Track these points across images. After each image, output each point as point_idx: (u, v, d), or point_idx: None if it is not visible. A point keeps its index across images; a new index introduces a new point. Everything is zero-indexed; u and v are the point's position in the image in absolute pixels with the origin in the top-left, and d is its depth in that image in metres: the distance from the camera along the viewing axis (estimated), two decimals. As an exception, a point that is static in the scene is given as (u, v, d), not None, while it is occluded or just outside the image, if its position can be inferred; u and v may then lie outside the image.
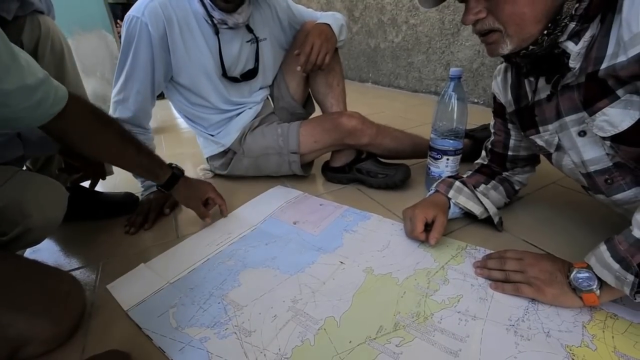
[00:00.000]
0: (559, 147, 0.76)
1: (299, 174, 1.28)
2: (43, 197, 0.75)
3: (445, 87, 1.04)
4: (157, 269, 0.86)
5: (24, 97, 0.60)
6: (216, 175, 1.39)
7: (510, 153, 0.93)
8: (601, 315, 0.64)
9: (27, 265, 0.71)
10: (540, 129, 0.77)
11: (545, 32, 0.61)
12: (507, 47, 0.65)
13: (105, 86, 2.11)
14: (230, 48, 1.15)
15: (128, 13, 1.02)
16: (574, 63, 0.62)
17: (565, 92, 0.68)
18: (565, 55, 0.62)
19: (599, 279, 0.60)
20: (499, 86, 0.87)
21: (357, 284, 0.77)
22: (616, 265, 0.56)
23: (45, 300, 0.64)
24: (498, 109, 0.91)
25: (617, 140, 0.62)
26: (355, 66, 3.42)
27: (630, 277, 0.54)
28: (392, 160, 1.27)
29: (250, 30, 1.17)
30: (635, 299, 0.56)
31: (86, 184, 1.12)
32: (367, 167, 1.22)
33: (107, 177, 1.16)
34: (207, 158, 1.37)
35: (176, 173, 0.97)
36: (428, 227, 0.86)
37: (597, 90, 0.62)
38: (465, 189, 0.92)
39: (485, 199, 0.91)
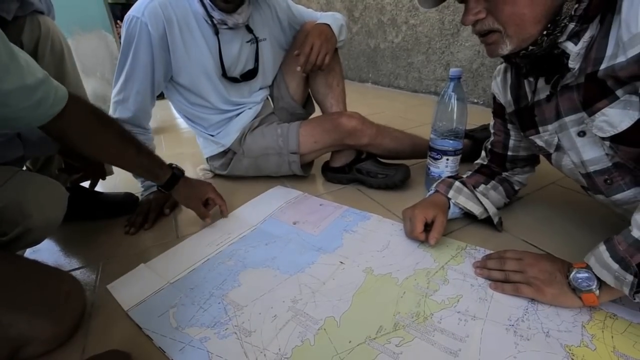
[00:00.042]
0: (558, 148, 0.76)
1: (298, 174, 1.28)
2: (43, 198, 0.75)
3: (445, 88, 1.04)
4: (157, 269, 0.86)
5: (23, 97, 0.60)
6: (216, 176, 1.39)
7: (509, 153, 0.93)
8: (600, 315, 0.64)
9: (27, 265, 0.71)
10: (540, 129, 0.77)
11: (544, 32, 0.61)
12: (506, 48, 0.65)
13: (105, 86, 2.11)
14: (230, 48, 1.15)
15: (128, 13, 1.02)
16: (574, 63, 0.62)
17: (565, 92, 0.68)
18: (565, 55, 0.63)
19: (599, 279, 0.61)
20: (498, 86, 0.87)
21: (357, 284, 0.77)
22: (615, 265, 0.56)
23: (46, 301, 0.65)
24: (498, 110, 0.91)
25: (617, 140, 0.62)
26: (355, 66, 3.42)
27: (630, 277, 0.54)
28: (392, 160, 1.27)
29: (250, 30, 1.17)
30: (634, 299, 0.56)
31: (86, 184, 1.12)
32: (367, 168, 1.22)
33: (107, 178, 1.16)
34: (207, 158, 1.37)
35: (176, 173, 0.97)
36: (428, 227, 0.86)
37: (596, 91, 0.62)
38: (465, 189, 0.92)
39: (484, 199, 0.91)
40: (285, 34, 1.28)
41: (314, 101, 1.36)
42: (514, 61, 0.72)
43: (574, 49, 0.61)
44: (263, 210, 1.10)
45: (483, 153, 1.01)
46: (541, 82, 0.73)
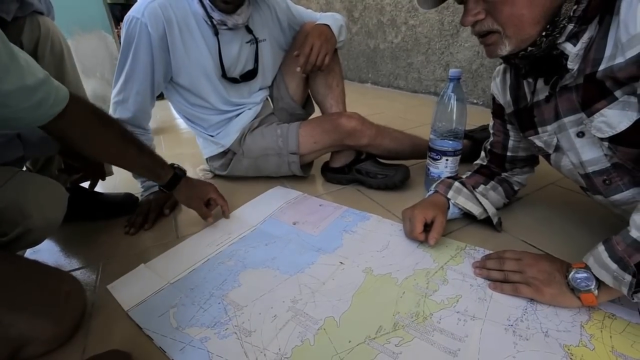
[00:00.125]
0: (557, 148, 0.76)
1: (298, 175, 1.28)
2: (43, 198, 0.75)
3: (444, 88, 1.04)
4: (157, 270, 0.86)
5: (23, 97, 0.60)
6: (216, 176, 1.40)
7: (509, 154, 0.93)
8: (599, 315, 0.65)
9: (27, 265, 0.71)
10: (539, 129, 0.77)
11: (543, 33, 0.61)
12: (505, 49, 0.65)
13: (105, 87, 2.11)
14: (229, 49, 1.15)
15: (128, 14, 1.02)
16: (572, 64, 0.63)
17: (564, 93, 0.68)
18: (564, 56, 0.63)
19: (597, 279, 0.61)
20: (498, 87, 0.87)
21: (357, 284, 0.77)
22: (614, 266, 0.57)
23: (46, 301, 0.65)
24: (497, 110, 0.91)
25: (615, 141, 0.62)
26: (355, 67, 3.42)
27: (628, 277, 0.55)
28: (391, 160, 1.27)
29: (249, 31, 1.17)
30: (633, 299, 0.56)
31: (86, 184, 1.12)
32: (366, 168, 1.22)
33: (107, 178, 1.17)
34: (206, 159, 1.37)
35: (178, 173, 0.97)
36: (427, 227, 0.87)
37: (595, 92, 0.62)
38: (465, 189, 0.93)
39: (484, 200, 0.91)
40: (285, 34, 1.28)
41: (314, 102, 1.36)
42: (513, 62, 0.72)
43: (572, 50, 0.61)
44: (263, 210, 1.10)
45: (482, 153, 1.02)
46: (540, 82, 0.73)
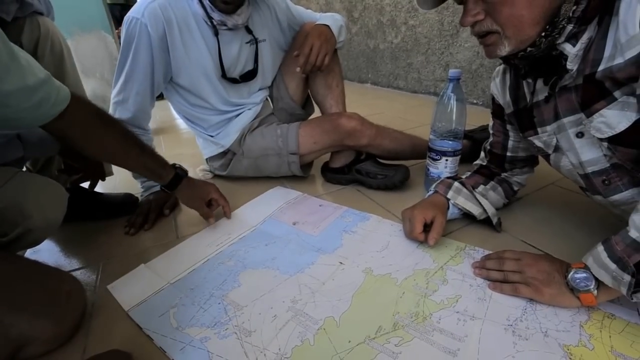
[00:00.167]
0: (557, 148, 0.76)
1: (298, 175, 1.28)
2: (43, 198, 0.75)
3: (444, 89, 1.04)
4: (157, 270, 0.86)
5: (24, 97, 0.60)
6: (216, 176, 1.40)
7: (508, 154, 0.94)
8: (598, 315, 0.65)
9: (28, 265, 0.71)
10: (539, 130, 0.78)
11: (543, 34, 0.61)
12: (505, 49, 0.65)
13: (105, 87, 2.11)
14: (229, 49, 1.15)
15: (127, 14, 1.03)
16: (572, 65, 0.63)
17: (563, 93, 0.68)
18: (563, 57, 0.63)
19: (597, 279, 0.61)
20: (497, 87, 0.87)
21: (357, 285, 0.77)
22: (613, 266, 0.57)
23: (47, 301, 0.65)
24: (497, 110, 0.91)
25: (615, 141, 0.62)
26: (355, 67, 3.42)
27: (627, 277, 0.55)
28: (391, 161, 1.27)
29: (249, 31, 1.18)
30: (632, 299, 0.56)
31: (86, 185, 1.12)
32: (366, 168, 1.22)
33: (107, 178, 1.17)
34: (206, 159, 1.38)
35: (179, 173, 0.97)
36: (427, 227, 0.87)
37: (594, 92, 0.62)
38: (464, 189, 0.93)
39: (484, 200, 0.91)
40: (285, 34, 1.29)
41: (314, 102, 1.36)
42: (512, 62, 0.72)
43: (572, 51, 0.62)
44: (263, 210, 1.10)
45: (482, 154, 1.02)
46: (540, 83, 0.73)
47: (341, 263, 0.84)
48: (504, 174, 0.98)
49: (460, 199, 0.92)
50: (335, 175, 1.29)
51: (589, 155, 0.70)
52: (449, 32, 2.31)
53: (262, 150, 1.24)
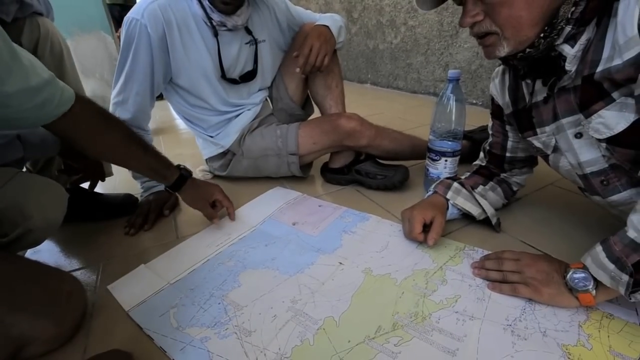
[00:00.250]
0: (555, 149, 0.77)
1: (298, 175, 1.28)
2: (43, 199, 0.75)
3: (443, 89, 1.04)
4: (158, 270, 0.86)
5: (26, 98, 0.60)
6: (215, 176, 1.40)
7: (508, 154, 0.94)
8: (597, 315, 0.65)
9: (28, 265, 0.71)
10: (538, 130, 0.78)
11: (541, 35, 0.62)
12: (503, 50, 0.65)
13: (105, 87, 2.11)
14: (229, 50, 1.15)
15: (127, 15, 1.03)
16: (570, 66, 0.63)
17: (562, 94, 0.69)
18: (562, 58, 0.63)
19: (595, 279, 0.61)
20: (496, 88, 0.88)
21: (356, 285, 0.77)
22: (611, 266, 0.57)
23: (47, 301, 0.65)
24: (496, 111, 0.92)
25: (613, 142, 0.63)
26: (354, 67, 3.43)
27: (625, 277, 0.55)
28: (391, 161, 1.28)
29: (249, 32, 1.18)
30: (630, 299, 0.56)
31: (86, 185, 1.12)
32: (366, 169, 1.23)
33: (107, 179, 1.17)
34: (206, 159, 1.38)
35: (184, 174, 0.97)
36: (426, 228, 0.87)
37: (593, 93, 0.62)
38: (464, 190, 0.93)
39: (483, 200, 0.91)
40: (284, 35, 1.29)
41: (313, 102, 1.36)
42: (511, 63, 0.73)
43: (570, 52, 0.62)
44: (262, 211, 1.10)
45: (481, 154, 1.02)
46: (538, 84, 0.73)
47: (341, 263, 0.84)
48: (503, 175, 0.98)
49: (459, 200, 0.92)
50: (334, 175, 1.29)
51: (587, 155, 0.70)
52: (449, 33, 2.31)
53: (262, 151, 1.25)
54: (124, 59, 1.05)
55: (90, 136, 0.76)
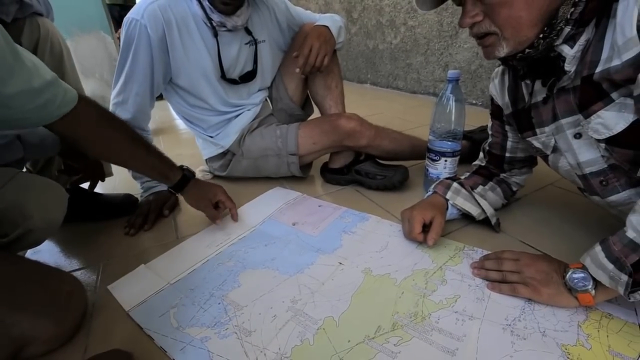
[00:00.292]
0: (555, 149, 0.77)
1: (297, 176, 1.28)
2: (43, 199, 0.75)
3: (443, 90, 1.04)
4: (158, 270, 0.86)
5: (28, 99, 0.60)
6: (215, 177, 1.40)
7: (507, 155, 0.94)
8: (596, 314, 0.65)
9: (29, 266, 0.71)
10: (537, 131, 0.78)
11: (541, 35, 0.62)
12: (503, 50, 0.66)
13: (104, 87, 2.11)
14: (229, 50, 1.15)
15: (127, 15, 1.03)
16: (570, 66, 0.63)
17: (561, 94, 0.69)
18: (561, 58, 0.63)
19: (594, 279, 0.61)
20: (496, 88, 0.88)
21: (356, 285, 0.77)
22: (610, 266, 0.57)
23: (48, 301, 0.65)
24: (495, 111, 0.92)
25: (612, 142, 0.63)
26: (354, 67, 3.43)
27: (624, 277, 0.55)
28: (390, 161, 1.28)
29: (248, 32, 1.18)
30: (629, 299, 0.56)
31: (86, 185, 1.12)
32: (365, 169, 1.23)
33: (107, 179, 1.17)
34: (206, 159, 1.38)
35: (187, 175, 0.97)
36: (426, 228, 0.87)
37: (592, 93, 0.63)
38: (463, 190, 0.93)
39: (482, 201, 0.92)
40: (284, 35, 1.29)
41: (313, 102, 1.36)
42: (511, 64, 0.73)
43: (569, 52, 0.62)
44: (262, 211, 1.11)
45: (481, 154, 1.02)
46: (538, 84, 0.74)
47: (340, 263, 0.84)
48: (502, 175, 0.99)
49: (459, 200, 0.92)
50: (334, 175, 1.29)
51: (586, 156, 0.70)
52: (448, 33, 2.31)
53: (262, 151, 1.25)
54: (124, 60, 1.06)
55: (93, 137, 0.77)
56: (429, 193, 0.98)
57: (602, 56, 0.59)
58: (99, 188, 1.15)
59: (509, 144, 0.93)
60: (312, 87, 1.28)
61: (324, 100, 1.26)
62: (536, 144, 0.80)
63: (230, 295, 0.77)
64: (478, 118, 1.47)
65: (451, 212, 0.94)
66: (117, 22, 2.92)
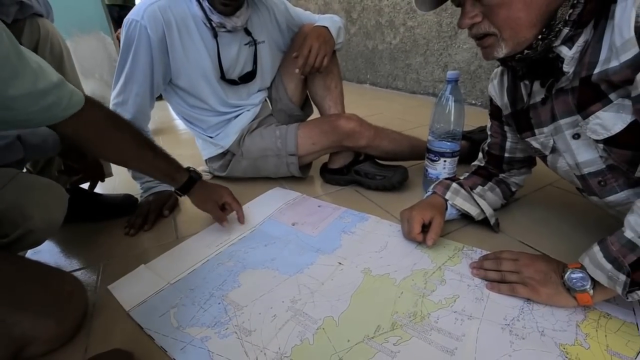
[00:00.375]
0: (554, 150, 0.77)
1: (297, 176, 1.29)
2: (44, 199, 0.75)
3: (442, 90, 1.05)
4: (158, 270, 0.86)
5: (32, 101, 0.59)
6: (215, 177, 1.40)
7: (506, 155, 0.94)
8: (595, 314, 0.65)
9: (30, 266, 0.71)
10: (536, 131, 0.78)
11: (539, 36, 0.62)
12: (502, 51, 0.66)
13: (104, 88, 2.12)
14: (228, 51, 1.16)
15: (127, 16, 1.03)
16: (568, 67, 0.64)
17: (560, 95, 0.69)
18: (560, 59, 0.64)
19: (593, 279, 0.61)
20: (495, 89, 0.88)
21: (355, 285, 0.77)
22: (608, 266, 0.57)
23: (49, 301, 0.65)
24: (494, 112, 0.92)
25: (610, 143, 0.63)
26: (353, 67, 3.43)
27: (622, 277, 0.56)
28: (390, 162, 1.28)
29: (248, 33, 1.18)
30: (627, 299, 0.57)
31: (86, 186, 1.12)
32: (365, 169, 1.23)
33: (107, 179, 1.17)
34: (205, 160, 1.38)
35: (193, 176, 0.97)
36: (425, 228, 0.87)
37: (590, 94, 0.63)
38: (462, 190, 0.93)
39: (481, 201, 0.92)
40: (284, 36, 1.29)
41: (312, 103, 1.36)
42: (510, 64, 0.73)
43: (568, 53, 0.62)
44: (262, 211, 1.11)
45: (480, 155, 1.02)
46: (536, 85, 0.74)
47: (340, 263, 0.85)
48: (502, 175, 0.99)
49: (458, 200, 0.93)
50: (334, 176, 1.29)
51: (585, 156, 0.71)
52: (448, 34, 2.31)
53: (261, 151, 1.25)
54: (124, 60, 1.06)
55: (99, 139, 0.77)
56: (428, 193, 0.98)
57: (601, 57, 0.59)
58: (99, 188, 1.16)
59: (508, 144, 0.93)
60: (311, 88, 1.28)
61: (324, 101, 1.26)
62: (535, 144, 0.80)
63: (230, 295, 0.77)
64: (477, 118, 1.48)
65: (450, 213, 0.94)
66: (116, 22, 2.93)
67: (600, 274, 0.59)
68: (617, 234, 0.59)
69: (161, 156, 0.90)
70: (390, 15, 2.77)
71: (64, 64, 1.06)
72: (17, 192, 0.72)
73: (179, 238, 1.01)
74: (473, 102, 2.27)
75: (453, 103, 1.02)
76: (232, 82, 1.21)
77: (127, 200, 1.16)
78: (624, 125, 0.60)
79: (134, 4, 2.84)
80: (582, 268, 0.63)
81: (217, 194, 1.02)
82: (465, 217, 0.96)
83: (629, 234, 0.57)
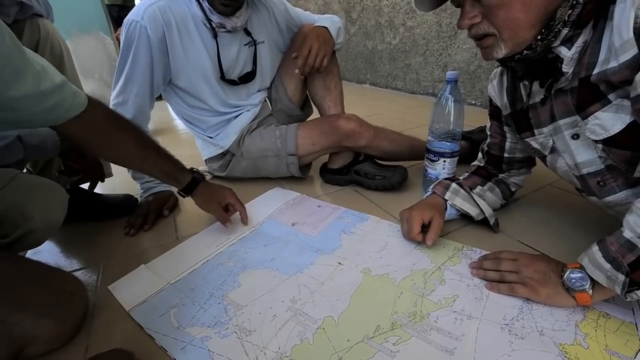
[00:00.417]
0: (553, 150, 0.77)
1: (297, 176, 1.29)
2: (44, 200, 0.76)
3: (442, 90, 1.05)
4: (158, 270, 0.87)
5: (34, 102, 0.59)
6: (215, 177, 1.40)
7: (506, 155, 0.94)
8: (594, 314, 0.65)
9: (30, 266, 0.72)
10: (535, 131, 0.78)
11: (539, 37, 0.62)
12: (501, 52, 0.66)
13: (104, 88, 2.11)
14: (228, 51, 1.16)
15: (127, 17, 1.03)
16: (567, 68, 0.64)
17: (559, 96, 0.69)
18: (559, 60, 0.64)
19: (592, 279, 0.62)
20: (495, 89, 0.88)
21: (355, 285, 0.78)
22: (607, 266, 0.58)
23: (50, 301, 0.66)
24: (494, 112, 0.92)
25: (609, 143, 0.63)
26: (353, 68, 3.43)
27: (621, 277, 0.56)
28: (389, 162, 1.28)
29: (248, 33, 1.18)
30: (626, 298, 0.57)
31: (86, 186, 1.12)
32: (364, 169, 1.23)
33: (107, 180, 1.17)
34: (205, 160, 1.38)
35: (197, 177, 0.97)
36: (425, 228, 0.88)
37: (589, 95, 0.63)
38: (462, 190, 0.93)
39: (481, 201, 0.92)
40: (283, 36, 1.29)
41: (312, 103, 1.37)
42: (509, 65, 0.73)
43: (567, 54, 0.63)
44: (262, 211, 1.11)
45: (480, 155, 1.03)
46: (536, 85, 0.74)
47: (340, 263, 0.85)
48: (501, 175, 0.99)
49: (457, 200, 0.93)
50: (333, 176, 1.29)
51: (584, 156, 0.71)
52: (447, 34, 2.32)
53: (261, 152, 1.25)
54: (124, 61, 1.06)
55: (102, 140, 0.77)
56: (428, 193, 0.98)
57: (600, 58, 0.60)
58: (99, 188, 1.16)
59: (507, 144, 0.93)
60: (311, 88, 1.28)
61: (323, 101, 1.27)
62: (534, 144, 0.80)
63: (230, 295, 0.77)
64: (477, 118, 1.48)
65: (450, 213, 0.95)
66: (116, 22, 2.93)
67: (599, 274, 0.59)
68: (616, 234, 0.59)
69: (165, 157, 0.90)
70: (389, 16, 2.78)
71: (64, 64, 1.06)
72: (18, 192, 0.72)
73: (179, 238, 1.01)
74: (473, 102, 2.27)
75: (452, 103, 1.03)
76: (231, 83, 1.21)
77: (127, 201, 1.17)
78: (623, 126, 0.60)
79: (133, 4, 2.85)
80: (581, 268, 0.63)
81: (221, 194, 1.02)
82: (464, 217, 0.96)
83: (627, 234, 0.57)
